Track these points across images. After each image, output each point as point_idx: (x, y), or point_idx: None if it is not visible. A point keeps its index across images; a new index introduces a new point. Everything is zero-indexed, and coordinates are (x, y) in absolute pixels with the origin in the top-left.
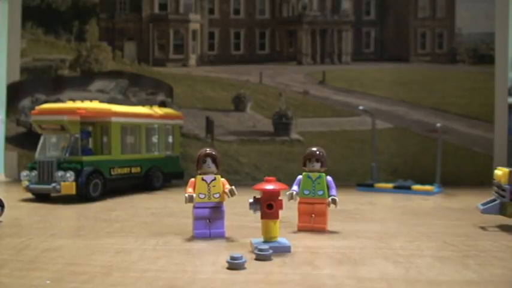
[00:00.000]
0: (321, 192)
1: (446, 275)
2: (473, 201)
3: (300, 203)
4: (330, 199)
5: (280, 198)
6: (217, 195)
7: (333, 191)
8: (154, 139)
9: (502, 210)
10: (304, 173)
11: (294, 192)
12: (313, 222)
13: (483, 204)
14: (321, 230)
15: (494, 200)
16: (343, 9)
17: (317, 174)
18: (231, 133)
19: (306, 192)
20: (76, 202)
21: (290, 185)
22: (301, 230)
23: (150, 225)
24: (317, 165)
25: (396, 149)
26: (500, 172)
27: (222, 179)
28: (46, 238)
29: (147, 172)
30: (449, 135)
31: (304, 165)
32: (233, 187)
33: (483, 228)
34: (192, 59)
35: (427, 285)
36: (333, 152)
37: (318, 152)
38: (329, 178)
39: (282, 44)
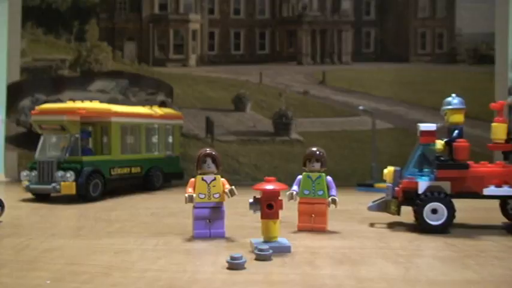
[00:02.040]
0: (321, 192)
1: (446, 275)
2: (472, 201)
3: (300, 203)
4: (330, 199)
5: (280, 198)
6: (217, 195)
7: (333, 191)
8: (154, 139)
9: (386, 207)
10: (304, 173)
11: (294, 192)
12: (313, 222)
13: (373, 202)
14: (321, 230)
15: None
16: (343, 9)
17: (317, 174)
18: (231, 133)
19: (306, 192)
20: (76, 202)
21: (290, 185)
22: (301, 230)
23: (150, 225)
24: (317, 165)
25: (396, 149)
26: (386, 171)
27: (222, 179)
28: (46, 238)
29: (147, 172)
30: None
31: (304, 165)
32: (233, 187)
33: (483, 228)
34: (192, 59)
35: (427, 285)
36: (333, 152)
37: (318, 152)
38: (329, 178)
39: (282, 44)
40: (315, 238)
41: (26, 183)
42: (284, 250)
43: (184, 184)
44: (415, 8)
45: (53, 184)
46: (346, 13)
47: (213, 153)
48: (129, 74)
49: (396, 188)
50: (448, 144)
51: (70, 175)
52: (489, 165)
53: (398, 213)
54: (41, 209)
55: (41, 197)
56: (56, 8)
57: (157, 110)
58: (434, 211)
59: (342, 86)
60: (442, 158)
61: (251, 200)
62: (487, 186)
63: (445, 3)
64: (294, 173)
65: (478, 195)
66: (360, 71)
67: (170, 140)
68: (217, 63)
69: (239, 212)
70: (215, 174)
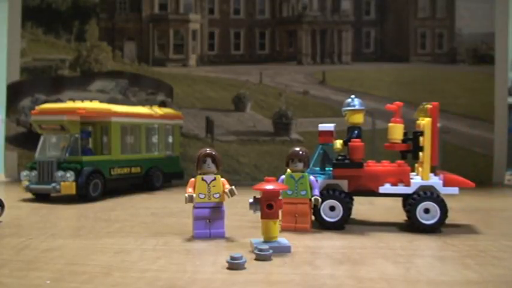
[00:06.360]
0: (303, 192)
1: (446, 275)
2: (473, 201)
3: (283, 203)
4: (313, 199)
5: (280, 198)
6: (217, 195)
7: (316, 191)
8: (154, 139)
9: None
10: (287, 173)
11: None
12: (296, 222)
13: None
14: (304, 230)
15: None
16: (343, 9)
17: (300, 174)
18: (231, 133)
19: (289, 192)
20: (76, 202)
21: None
22: (284, 230)
23: (150, 225)
24: (300, 165)
25: None
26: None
27: (222, 179)
28: (46, 238)
29: (147, 172)
30: (449, 135)
31: (287, 165)
32: (233, 187)
33: (483, 228)
34: (192, 59)
35: (427, 285)
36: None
37: (300, 152)
38: (312, 178)
39: (282, 44)
40: (315, 238)
41: (26, 183)
42: (284, 250)
43: (184, 184)
44: (415, 8)
45: (53, 184)
46: (346, 13)
47: (213, 153)
48: (129, 74)
49: None
50: (346, 143)
51: (70, 175)
52: (386, 164)
53: None
54: (41, 209)
55: (41, 197)
56: (56, 8)
57: (157, 110)
58: (332, 208)
59: (342, 86)
60: (340, 157)
61: (251, 200)
62: (382, 185)
63: (445, 3)
64: None
65: (375, 193)
66: (360, 71)
67: (170, 140)
68: (217, 63)
69: (239, 212)
70: (215, 174)
